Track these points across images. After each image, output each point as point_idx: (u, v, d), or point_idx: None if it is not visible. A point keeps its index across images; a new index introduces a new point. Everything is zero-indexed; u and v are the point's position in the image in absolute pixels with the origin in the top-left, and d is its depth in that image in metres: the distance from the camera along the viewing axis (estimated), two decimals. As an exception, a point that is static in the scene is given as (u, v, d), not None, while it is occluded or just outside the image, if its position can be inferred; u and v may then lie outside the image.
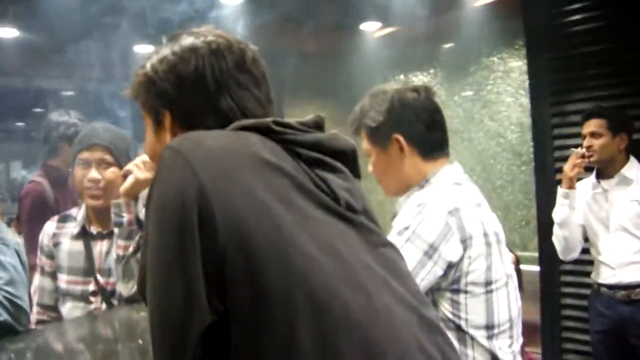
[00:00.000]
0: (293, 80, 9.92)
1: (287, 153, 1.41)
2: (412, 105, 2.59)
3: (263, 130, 1.43)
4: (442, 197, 2.38)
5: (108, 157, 3.16)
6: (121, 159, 3.16)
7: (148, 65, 1.66)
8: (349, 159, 1.54)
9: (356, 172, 1.57)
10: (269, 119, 1.47)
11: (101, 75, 11.52)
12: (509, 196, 8.61)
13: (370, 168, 2.70)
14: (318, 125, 1.57)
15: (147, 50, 10.05)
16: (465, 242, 2.34)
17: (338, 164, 1.49)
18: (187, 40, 1.63)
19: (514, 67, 8.60)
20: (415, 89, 2.65)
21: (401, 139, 2.58)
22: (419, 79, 9.89)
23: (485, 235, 2.42)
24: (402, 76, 10.08)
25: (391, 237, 2.28)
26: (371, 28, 9.62)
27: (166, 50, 1.64)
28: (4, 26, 8.87)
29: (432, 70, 9.76)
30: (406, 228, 2.32)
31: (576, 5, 5.79)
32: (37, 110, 13.14)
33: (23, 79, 11.50)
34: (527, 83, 6.60)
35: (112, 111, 13.02)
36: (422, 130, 2.59)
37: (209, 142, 1.34)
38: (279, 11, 8.37)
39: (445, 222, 2.28)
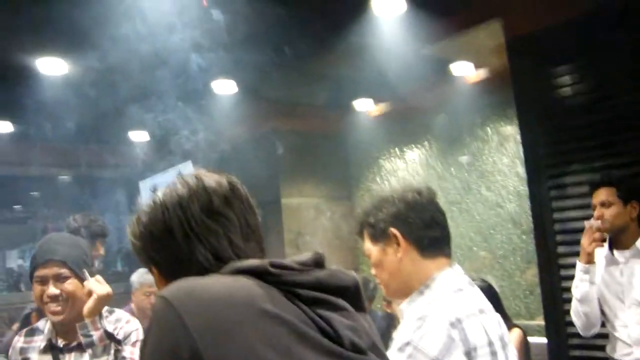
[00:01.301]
0: (289, 160, 10.01)
1: (286, 296, 1.38)
2: (412, 204, 2.62)
3: (260, 274, 1.41)
4: (443, 308, 2.34)
5: (64, 271, 3.14)
6: (78, 269, 3.17)
7: (129, 230, 1.74)
8: (352, 294, 1.52)
9: (361, 307, 1.54)
10: (266, 261, 1.45)
11: (94, 160, 11.71)
12: (512, 265, 8.58)
13: (372, 270, 2.71)
14: (317, 263, 1.53)
15: (142, 136, 10.31)
16: (469, 354, 2.29)
17: (340, 302, 1.46)
18: (159, 196, 1.69)
19: (508, 137, 8.71)
20: (418, 191, 2.69)
21: (398, 234, 2.59)
22: (414, 152, 10.00)
23: (490, 344, 2.38)
24: (397, 150, 10.20)
25: (392, 353, 2.24)
26: (365, 105, 9.78)
27: (142, 210, 1.71)
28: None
29: (426, 143, 9.88)
30: (407, 344, 2.26)
31: (567, 77, 5.88)
32: (33, 194, 13.26)
33: (19, 168, 11.59)
34: (520, 153, 6.65)
35: (105, 195, 13.16)
36: (421, 226, 2.60)
37: (202, 292, 1.33)
38: (273, 93, 8.54)
39: (447, 335, 2.24)
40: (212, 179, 1.71)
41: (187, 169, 10.43)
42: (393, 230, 2.61)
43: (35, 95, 7.33)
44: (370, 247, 2.71)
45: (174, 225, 1.61)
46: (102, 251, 5.61)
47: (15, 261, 13.87)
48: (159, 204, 1.67)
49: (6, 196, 12.70)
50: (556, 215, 5.91)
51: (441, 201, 2.78)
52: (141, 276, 5.93)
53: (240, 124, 9.10)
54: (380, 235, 2.65)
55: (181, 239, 1.60)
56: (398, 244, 2.60)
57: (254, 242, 1.68)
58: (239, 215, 1.68)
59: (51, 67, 6.85)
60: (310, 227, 10.03)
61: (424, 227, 2.60)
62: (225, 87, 8.32)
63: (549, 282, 5.78)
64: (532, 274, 8.11)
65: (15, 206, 14.03)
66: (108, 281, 3.21)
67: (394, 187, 2.78)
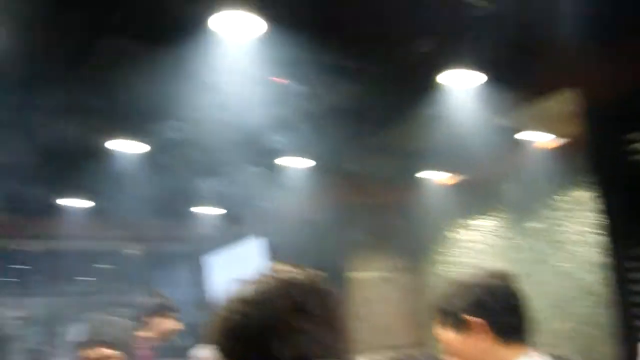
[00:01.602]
0: (358, 232, 9.96)
1: None
2: (491, 291, 2.57)
3: None
4: None
5: (110, 352, 3.32)
6: (124, 348, 3.36)
7: (213, 322, 1.70)
8: None
9: None
10: None
11: (163, 234, 11.91)
12: (587, 338, 8.24)
13: (444, 355, 2.65)
14: None
15: (213, 210, 10.45)
16: None
17: None
18: (244, 292, 1.65)
19: (582, 205, 8.46)
20: (497, 276, 2.64)
21: (477, 322, 2.53)
22: (484, 222, 9.82)
23: None
24: (467, 220, 10.05)
25: None
26: (435, 176, 9.70)
27: (229, 303, 1.67)
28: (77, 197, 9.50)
29: (497, 213, 9.69)
30: None
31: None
32: (103, 266, 13.50)
33: (90, 241, 11.87)
34: (595, 221, 6.45)
35: (173, 268, 13.33)
36: (500, 314, 2.55)
37: None
38: (343, 166, 8.57)
39: None
40: (295, 275, 1.68)
41: (255, 244, 10.52)
42: (471, 318, 2.55)
43: (108, 172, 7.55)
44: (445, 334, 2.65)
45: (258, 322, 1.57)
46: (176, 326, 5.63)
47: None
48: (244, 300, 1.63)
49: (77, 269, 12.94)
50: (634, 287, 5.68)
51: (513, 272, 2.73)
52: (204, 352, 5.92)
53: (309, 197, 9.13)
54: (457, 323, 2.59)
55: (265, 336, 1.55)
56: (476, 332, 2.54)
57: (338, 335, 1.64)
58: (323, 310, 1.64)
59: (124, 145, 7.02)
60: (379, 300, 9.88)
61: (504, 314, 2.55)
62: (294, 161, 8.38)
63: (627, 357, 5.53)
64: (608, 347, 7.78)
65: (85, 278, 14.27)
66: (167, 356, 3.37)
67: (472, 272, 2.74)
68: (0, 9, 4.71)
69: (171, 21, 4.90)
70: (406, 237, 10.40)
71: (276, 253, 10.02)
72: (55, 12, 4.94)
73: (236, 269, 11.16)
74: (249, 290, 1.64)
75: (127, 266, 12.71)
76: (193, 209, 10.64)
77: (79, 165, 7.39)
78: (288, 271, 1.69)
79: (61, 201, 9.71)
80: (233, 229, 10.71)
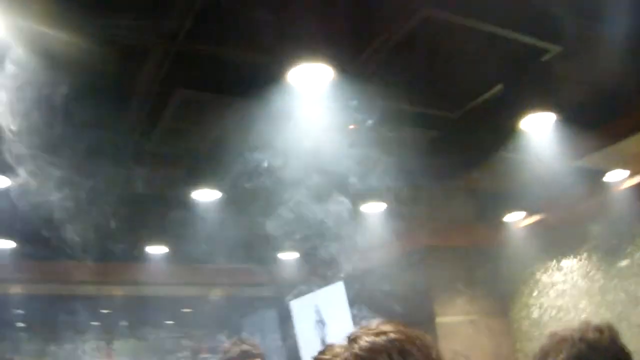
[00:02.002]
0: (442, 277, 9.83)
1: None
2: (593, 345, 2.46)
3: None
4: None
5: None
6: None
7: None
8: None
9: None
10: None
11: (245, 280, 12.02)
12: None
13: None
14: None
15: (293, 256, 10.54)
16: None
17: None
18: (367, 341, 1.60)
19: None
20: (599, 329, 2.53)
21: None
22: (572, 263, 9.54)
23: None
24: (553, 262, 9.79)
25: None
26: (518, 218, 9.53)
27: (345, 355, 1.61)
28: (156, 245, 9.77)
29: (585, 254, 9.39)
30: None
31: None
32: (185, 311, 13.69)
33: (173, 287, 12.09)
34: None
35: (256, 314, 13.41)
36: None
37: None
38: (424, 210, 8.54)
39: None
40: (393, 331, 1.67)
41: (339, 289, 10.49)
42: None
43: (191, 219, 7.73)
44: None
45: None
46: None
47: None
48: (369, 349, 1.57)
49: (160, 315, 13.16)
50: None
51: (607, 316, 2.62)
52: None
53: (391, 242, 9.09)
54: None
55: None
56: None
57: None
58: None
59: (207, 194, 7.20)
60: (467, 345, 9.67)
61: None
62: (376, 206, 8.39)
63: None
64: None
65: (168, 322, 14.49)
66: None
67: (572, 325, 2.64)
68: (84, 59, 4.92)
69: (251, 75, 5.04)
70: (492, 280, 10.20)
71: (360, 298, 9.98)
72: (137, 64, 5.16)
73: (320, 314, 11.15)
74: (349, 348, 1.64)
75: (210, 311, 12.86)
76: (276, 254, 10.72)
77: (163, 213, 7.60)
78: (385, 328, 1.69)
79: (147, 248, 9.96)
80: (316, 273, 10.71)
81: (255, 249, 9.55)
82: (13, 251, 9.94)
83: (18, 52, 4.56)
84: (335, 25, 4.56)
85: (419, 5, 4.75)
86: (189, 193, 7.08)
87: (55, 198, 6.82)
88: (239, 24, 4.67)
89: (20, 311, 12.15)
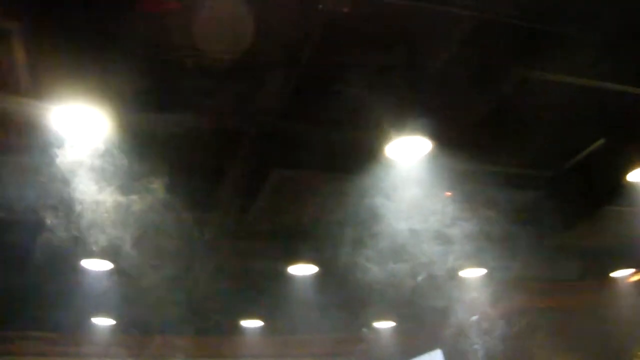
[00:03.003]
0: (546, 338, 9.47)
1: None
2: None
3: None
4: None
5: None
6: None
7: None
8: None
9: None
10: None
11: (339, 350, 11.85)
12: None
13: None
14: None
15: (389, 324, 10.33)
16: None
17: None
18: None
19: None
20: None
21: None
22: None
23: None
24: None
25: None
26: (622, 274, 9.15)
27: None
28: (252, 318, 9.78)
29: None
30: None
31: None
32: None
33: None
34: None
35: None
36: None
37: None
38: (527, 270, 8.31)
39: None
40: None
41: (437, 358, 10.19)
42: None
43: (285, 293, 7.74)
44: None
45: None
46: None
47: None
48: None
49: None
50: None
51: None
52: None
53: (491, 306, 8.84)
54: None
55: None
56: None
57: None
58: None
59: (301, 269, 7.22)
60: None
61: None
62: (474, 272, 8.21)
63: None
64: None
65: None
66: None
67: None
68: (181, 141, 5.03)
69: (348, 151, 5.05)
70: (599, 340, 9.75)
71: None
72: (233, 144, 5.23)
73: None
74: None
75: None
76: (372, 323, 10.58)
77: (259, 287, 7.64)
78: None
79: (242, 322, 10.00)
80: (413, 342, 10.48)
81: (351, 318, 9.44)
82: (113, 328, 10.19)
83: (119, 136, 4.71)
84: (432, 97, 4.52)
85: (516, 68, 4.67)
86: (286, 268, 7.10)
87: (153, 276, 6.95)
88: (335, 102, 4.69)
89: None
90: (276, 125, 4.92)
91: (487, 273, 8.28)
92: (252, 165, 5.47)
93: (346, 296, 7.90)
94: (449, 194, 5.98)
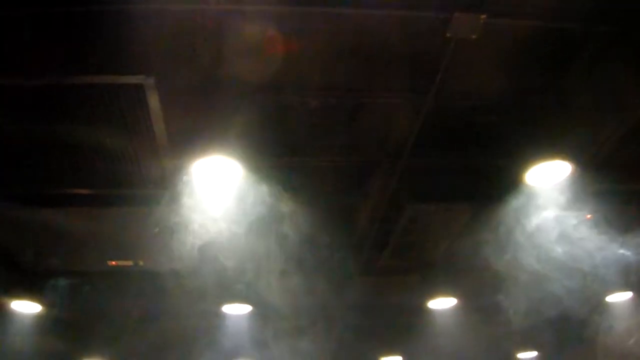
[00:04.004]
0: None
1: None
2: None
3: None
4: None
5: None
6: None
7: None
8: None
9: None
10: None
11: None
12: None
13: None
14: None
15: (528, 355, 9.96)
16: None
17: None
18: None
19: None
20: None
21: None
22: None
23: None
24: None
25: None
26: None
27: None
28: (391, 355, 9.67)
29: None
30: None
31: None
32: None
33: None
34: None
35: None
36: None
37: None
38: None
39: None
40: None
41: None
42: None
43: (424, 328, 7.66)
44: None
45: None
46: None
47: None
48: None
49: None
50: None
51: None
52: None
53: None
54: None
55: None
56: None
57: None
58: None
59: (440, 303, 7.13)
60: None
61: None
62: (621, 296, 7.84)
63: None
64: None
65: None
66: None
67: None
68: (311, 185, 5.09)
69: (485, 180, 4.96)
70: None
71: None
72: (364, 183, 5.24)
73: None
74: None
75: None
76: (516, 355, 10.26)
77: (398, 323, 7.61)
78: None
79: (383, 358, 9.96)
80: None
81: (492, 350, 9.19)
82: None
83: (254, 183, 4.83)
84: (570, 119, 4.38)
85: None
86: (425, 303, 7.02)
87: (292, 315, 7.05)
88: (467, 133, 4.63)
89: None
90: (407, 160, 4.89)
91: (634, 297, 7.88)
92: (384, 203, 5.46)
93: (487, 328, 7.71)
94: (589, 216, 5.76)
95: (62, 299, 7.37)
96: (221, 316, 7.53)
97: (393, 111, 4.46)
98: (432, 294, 6.90)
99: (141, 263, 6.50)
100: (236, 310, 7.34)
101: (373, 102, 4.37)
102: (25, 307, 7.30)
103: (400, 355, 9.82)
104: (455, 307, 7.17)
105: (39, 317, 7.62)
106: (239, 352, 9.17)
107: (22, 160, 4.77)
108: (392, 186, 5.20)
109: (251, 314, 7.38)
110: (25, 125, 4.39)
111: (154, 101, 4.15)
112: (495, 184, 4.93)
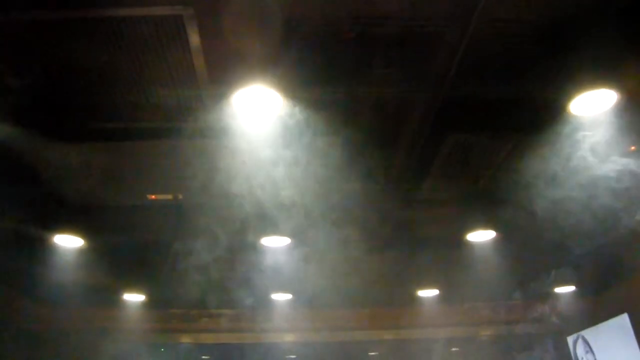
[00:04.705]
0: None
1: None
2: None
3: None
4: None
5: None
6: None
7: None
8: None
9: None
10: None
11: (517, 317, 11.60)
12: None
13: None
14: None
15: (570, 289, 9.95)
16: None
17: None
18: None
19: None
20: None
21: None
22: None
23: None
24: None
25: None
26: None
27: None
28: (429, 288, 9.76)
29: None
30: None
31: None
32: (454, 349, 13.52)
33: (439, 329, 12.01)
34: None
35: (530, 351, 12.82)
36: None
37: None
38: None
39: None
40: None
41: (623, 322, 9.68)
42: None
43: (462, 261, 7.69)
44: None
45: None
46: None
47: None
48: None
49: (427, 357, 13.13)
50: None
51: None
52: None
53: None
54: None
55: None
56: None
57: None
58: None
59: (479, 236, 7.13)
60: None
61: None
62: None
63: None
64: None
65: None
66: None
67: None
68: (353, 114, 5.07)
69: (527, 110, 4.90)
70: None
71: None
72: (405, 114, 5.19)
73: (597, 350, 10.38)
74: None
75: (480, 350, 12.58)
76: (553, 289, 10.25)
77: (436, 256, 7.64)
78: None
79: (418, 292, 10.04)
80: (594, 307, 10.06)
81: (530, 284, 9.21)
82: (289, 302, 10.59)
83: (295, 114, 4.83)
84: (616, 46, 4.26)
85: None
86: (464, 235, 7.02)
87: (330, 250, 7.12)
88: (509, 62, 4.54)
89: (292, 357, 12.89)
90: (448, 90, 4.83)
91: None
92: (424, 134, 5.42)
93: (525, 261, 7.72)
94: (634, 148, 5.67)
95: (103, 233, 7.54)
96: (260, 249, 7.61)
97: (434, 40, 4.39)
98: (472, 227, 6.87)
99: (180, 197, 6.61)
100: (275, 243, 7.42)
101: (414, 31, 4.30)
102: (68, 241, 7.47)
103: (438, 288, 9.91)
104: (494, 240, 7.15)
105: (80, 251, 7.79)
106: (277, 285, 9.35)
107: (64, 96, 4.83)
108: (432, 117, 5.14)
109: (289, 246, 7.45)
110: (63, 59, 4.43)
111: (193, 33, 4.16)
112: (539, 114, 4.86)
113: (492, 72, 4.66)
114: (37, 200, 6.66)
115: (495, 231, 6.92)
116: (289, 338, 11.95)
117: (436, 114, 5.08)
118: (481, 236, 7.03)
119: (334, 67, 4.64)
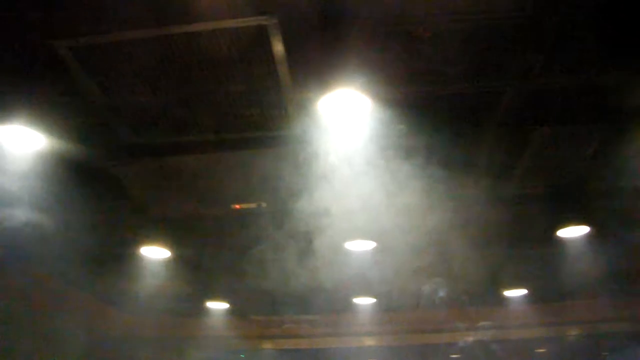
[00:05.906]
0: None
1: None
2: None
3: None
4: None
5: None
6: None
7: None
8: None
9: None
10: None
11: (606, 316, 11.31)
12: None
13: None
14: None
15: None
16: None
17: None
18: None
19: None
20: None
21: None
22: None
23: None
24: None
25: None
26: None
27: None
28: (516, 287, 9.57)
29: None
30: None
31: None
32: (539, 351, 13.28)
33: (525, 330, 11.80)
34: None
35: (621, 351, 12.49)
36: None
37: None
38: None
39: None
40: None
41: None
42: None
43: (552, 259, 7.54)
44: None
45: None
46: None
47: None
48: None
49: (513, 358, 12.92)
50: None
51: None
52: None
53: None
54: None
55: None
56: None
57: None
58: None
59: (570, 232, 6.96)
60: None
61: None
62: None
63: None
64: None
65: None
66: None
67: None
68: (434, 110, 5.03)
69: (622, 99, 4.76)
70: None
71: None
72: (490, 107, 5.11)
73: None
74: None
75: (567, 350, 12.32)
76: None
77: (524, 255, 7.52)
78: None
79: (505, 292, 9.91)
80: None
81: (623, 281, 8.94)
82: (372, 306, 10.58)
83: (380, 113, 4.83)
84: None
85: None
86: (554, 232, 6.85)
87: (413, 252, 7.09)
88: (597, 49, 4.41)
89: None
90: (535, 80, 4.73)
91: None
92: (511, 128, 5.33)
93: (620, 257, 7.50)
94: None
95: (188, 243, 7.71)
96: (344, 253, 7.62)
97: (517, 33, 4.31)
98: (562, 222, 6.70)
99: (264, 205, 6.69)
100: (360, 247, 7.42)
101: (496, 24, 4.23)
102: (155, 253, 7.66)
103: (526, 288, 9.72)
104: (587, 236, 6.94)
105: (167, 262, 7.99)
106: (361, 289, 9.36)
107: (152, 111, 4.96)
108: (518, 110, 5.06)
109: (375, 250, 7.44)
110: (147, 76, 4.55)
111: (276, 42, 4.21)
112: (630, 103, 4.72)
113: (579, 61, 4.53)
114: (124, 214, 6.86)
115: (589, 226, 6.72)
116: (370, 342, 11.95)
117: (522, 108, 4.99)
118: (573, 232, 6.84)
119: (418, 67, 4.61)
